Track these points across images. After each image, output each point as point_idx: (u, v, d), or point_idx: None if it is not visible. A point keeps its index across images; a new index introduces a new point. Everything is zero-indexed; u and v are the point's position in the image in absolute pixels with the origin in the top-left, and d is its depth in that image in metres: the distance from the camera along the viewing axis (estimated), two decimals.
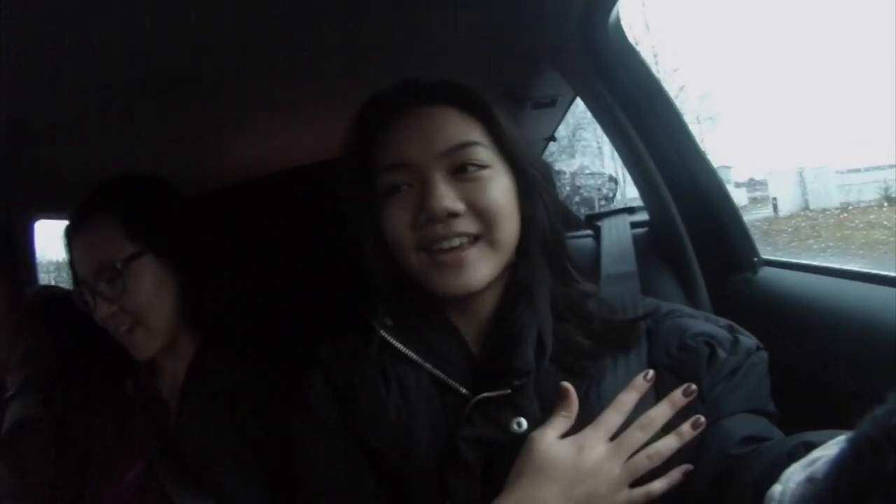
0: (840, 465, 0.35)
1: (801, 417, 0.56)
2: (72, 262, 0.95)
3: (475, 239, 0.67)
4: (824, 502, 0.38)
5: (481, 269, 0.67)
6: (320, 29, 0.89)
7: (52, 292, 1.39)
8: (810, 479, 0.40)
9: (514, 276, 0.72)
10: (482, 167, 0.68)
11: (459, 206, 0.66)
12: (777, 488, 0.43)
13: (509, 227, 0.69)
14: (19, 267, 1.29)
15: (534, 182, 0.72)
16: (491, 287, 0.71)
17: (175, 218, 0.95)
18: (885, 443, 0.31)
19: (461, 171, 0.68)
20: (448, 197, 0.66)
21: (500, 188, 0.69)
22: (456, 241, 0.67)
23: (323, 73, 1.08)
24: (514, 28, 1.04)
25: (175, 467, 0.91)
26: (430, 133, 0.69)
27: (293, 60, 0.98)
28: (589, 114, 1.16)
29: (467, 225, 0.67)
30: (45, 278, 1.90)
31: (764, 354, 0.66)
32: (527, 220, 0.71)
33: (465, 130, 0.69)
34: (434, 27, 0.99)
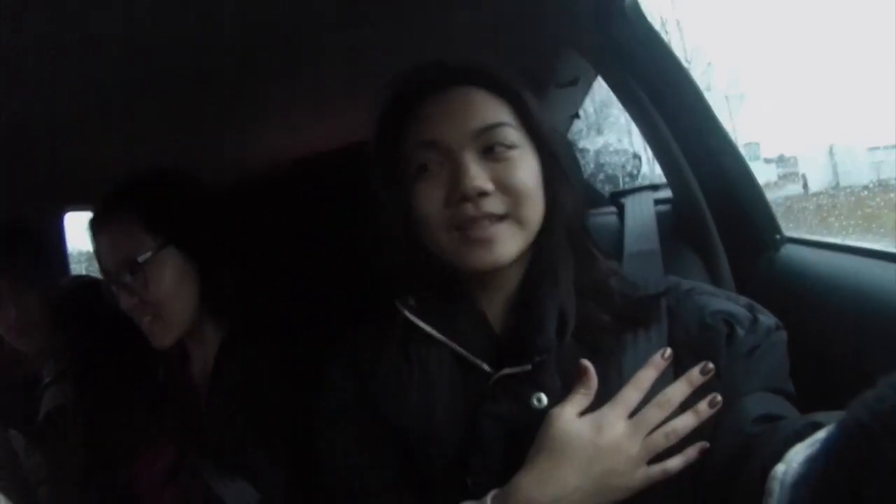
0: (830, 451, 0.35)
1: (822, 397, 0.56)
2: (97, 255, 0.97)
3: (502, 218, 0.68)
4: (816, 487, 0.38)
5: (509, 245, 0.68)
6: (333, 16, 0.89)
7: (84, 282, 1.43)
8: (809, 460, 0.41)
9: (537, 255, 0.73)
10: (510, 147, 0.69)
11: (489, 186, 0.67)
12: (780, 468, 0.43)
13: (536, 206, 0.69)
14: (52, 259, 1.32)
15: (558, 164, 0.72)
16: (514, 265, 0.71)
17: (196, 211, 0.97)
18: (877, 428, 0.31)
19: (490, 151, 0.68)
20: (479, 177, 0.66)
21: (527, 169, 0.69)
22: (486, 223, 0.67)
23: (336, 61, 1.09)
24: (532, 10, 1.03)
25: (207, 451, 0.93)
26: (461, 113, 0.69)
27: (305, 49, 0.98)
28: None
29: (496, 205, 0.67)
30: (76, 268, 1.95)
31: (783, 334, 0.66)
32: (551, 201, 0.71)
33: (494, 111, 0.70)
34: (453, 10, 0.99)
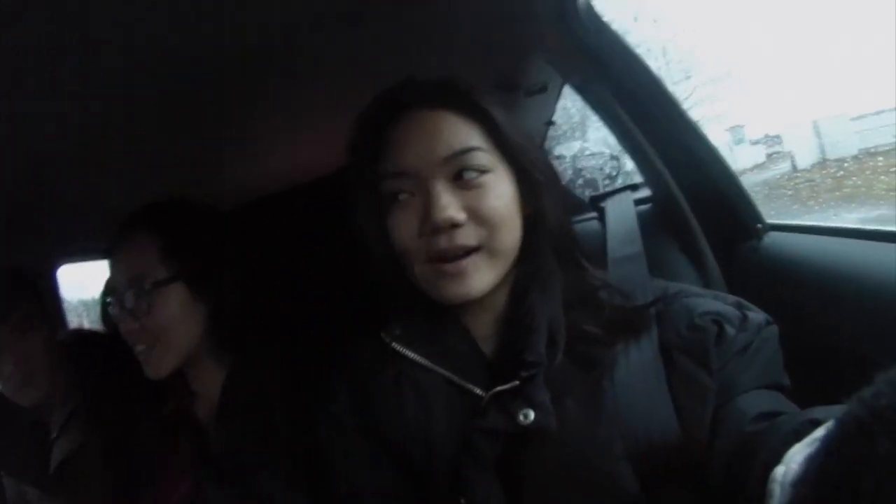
0: (828, 447, 0.35)
1: (815, 386, 0.56)
2: (109, 275, 0.96)
3: (476, 249, 0.67)
4: (814, 483, 0.38)
5: (482, 277, 0.68)
6: (313, 37, 0.89)
7: (84, 333, 1.44)
8: (808, 459, 0.41)
9: (523, 273, 0.73)
10: (482, 172, 0.68)
11: (461, 216, 0.66)
12: (780, 469, 0.43)
13: (509, 234, 0.69)
14: (48, 309, 1.33)
15: (536, 181, 0.71)
16: (499, 287, 0.71)
17: (213, 248, 0.96)
18: (874, 424, 0.31)
19: (461, 177, 0.67)
20: (451, 206, 0.66)
21: (500, 193, 0.68)
22: (460, 251, 0.67)
23: (318, 79, 1.09)
24: (497, 18, 1.03)
25: (221, 484, 0.93)
26: (429, 139, 0.68)
27: (291, 69, 0.98)
28: None
29: (469, 235, 0.67)
30: (73, 318, 1.95)
31: (774, 329, 0.66)
32: (530, 219, 0.71)
33: (464, 135, 0.68)
34: (423, 22, 0.99)
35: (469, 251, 0.67)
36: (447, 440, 0.68)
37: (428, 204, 0.66)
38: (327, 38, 0.90)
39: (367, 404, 0.74)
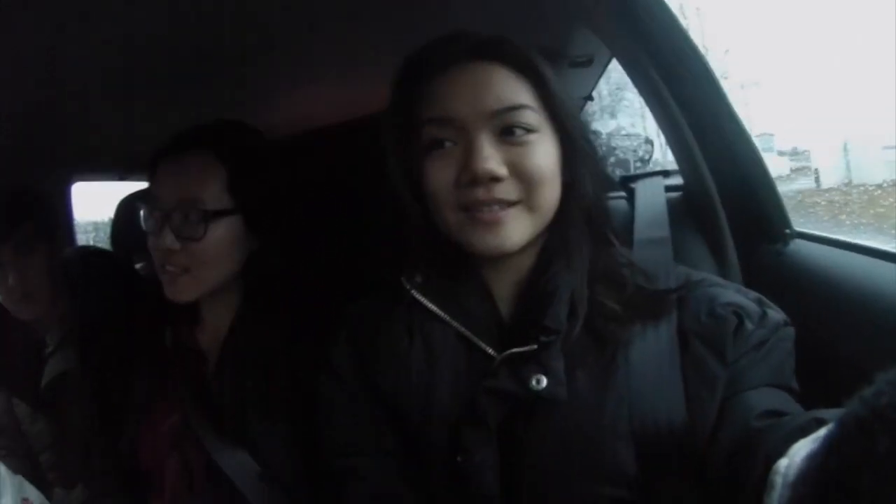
0: (829, 445, 0.35)
1: (824, 394, 0.55)
2: (153, 184, 0.93)
3: (514, 203, 0.66)
4: (813, 482, 0.37)
5: (518, 230, 0.67)
6: None
7: (90, 251, 1.44)
8: (811, 456, 0.40)
9: (552, 239, 0.71)
10: (529, 131, 0.67)
11: (503, 171, 0.65)
12: (783, 462, 0.43)
13: (550, 193, 0.68)
14: (57, 227, 1.33)
15: (579, 148, 0.70)
16: (527, 249, 0.70)
17: (275, 183, 0.95)
18: (874, 422, 0.31)
19: (508, 133, 0.66)
20: (493, 159, 0.65)
21: (545, 153, 0.67)
22: (496, 207, 0.66)
23: (355, 27, 1.07)
24: None
25: (210, 418, 0.93)
26: (479, 91, 0.67)
27: (323, 16, 0.96)
28: None
29: (508, 191, 0.66)
30: (82, 239, 1.96)
31: (791, 330, 0.65)
32: (568, 186, 0.70)
33: (515, 91, 0.68)
34: None
35: (507, 204, 0.65)
36: (450, 397, 0.67)
37: (470, 154, 0.65)
38: None
39: (370, 356, 0.74)
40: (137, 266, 1.32)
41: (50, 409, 1.26)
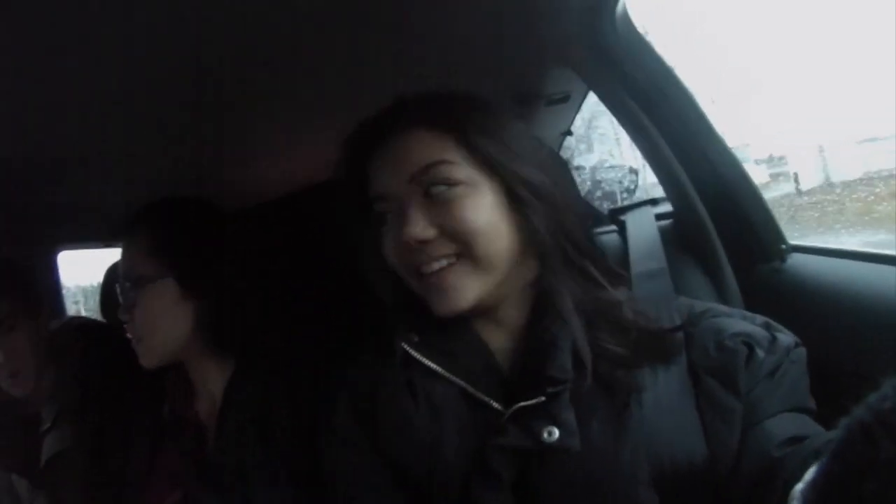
0: (833, 451, 0.35)
1: (838, 409, 0.55)
2: None
3: (457, 258, 0.66)
4: (819, 488, 0.37)
5: (467, 288, 0.66)
6: (321, 40, 0.88)
7: (79, 323, 1.41)
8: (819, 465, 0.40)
9: (540, 286, 0.70)
10: (453, 185, 0.66)
11: (429, 233, 0.65)
12: (799, 487, 0.42)
13: (491, 245, 0.66)
14: (43, 299, 1.30)
15: (524, 191, 0.67)
16: (518, 300, 0.70)
17: (204, 247, 0.95)
18: (878, 428, 0.31)
19: (432, 191, 0.66)
20: (417, 224, 0.65)
21: (474, 206, 0.66)
22: (436, 265, 0.66)
23: (326, 85, 1.07)
24: (519, 27, 1.01)
25: (214, 491, 0.91)
26: (399, 158, 0.68)
27: (292, 75, 0.97)
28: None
29: (441, 249, 0.66)
30: (72, 308, 1.93)
31: (802, 351, 0.64)
32: (523, 230, 0.68)
33: (431, 150, 0.67)
34: (438, 31, 0.97)
35: (447, 261, 0.66)
36: (457, 454, 0.66)
37: (400, 223, 0.66)
38: (332, 41, 0.89)
39: (371, 416, 0.72)
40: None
41: (50, 484, 1.22)
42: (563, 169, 0.74)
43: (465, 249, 0.66)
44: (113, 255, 1.70)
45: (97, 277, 1.67)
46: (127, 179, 1.22)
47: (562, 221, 0.69)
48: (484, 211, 0.66)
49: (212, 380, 0.97)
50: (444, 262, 0.66)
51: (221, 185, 1.43)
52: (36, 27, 0.63)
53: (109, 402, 1.09)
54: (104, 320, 1.42)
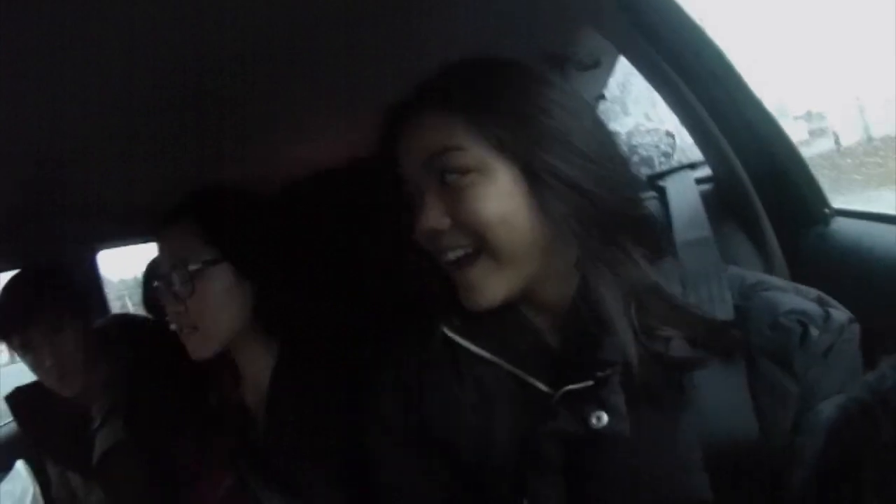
0: (829, 433, 0.35)
1: None
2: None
3: (477, 254, 0.64)
4: (817, 467, 0.37)
5: (491, 287, 0.64)
6: (330, 27, 0.86)
7: (124, 320, 1.45)
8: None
9: (580, 267, 0.67)
10: (465, 172, 0.63)
11: (443, 223, 0.64)
12: None
13: (509, 236, 0.63)
14: (86, 299, 1.33)
15: (546, 175, 0.62)
16: (559, 280, 0.67)
17: (253, 229, 0.97)
18: (878, 407, 0.30)
19: (446, 179, 0.64)
20: (432, 214, 0.63)
21: (488, 195, 0.62)
22: (451, 255, 0.64)
23: (325, 85, 1.07)
24: None
25: (265, 475, 0.93)
26: (411, 147, 0.66)
27: (317, 56, 0.95)
28: None
29: (455, 240, 0.64)
30: (116, 305, 1.97)
31: (856, 328, 0.61)
32: (550, 214, 0.63)
33: (440, 135, 0.64)
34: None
35: (462, 252, 0.64)
36: (509, 440, 0.64)
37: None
38: (334, 36, 0.87)
39: (417, 401, 0.71)
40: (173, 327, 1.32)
41: (104, 479, 1.26)
42: (606, 139, 0.69)
43: (482, 243, 0.63)
44: (152, 249, 1.73)
45: (137, 271, 1.70)
46: (163, 176, 1.23)
47: (595, 202, 0.63)
48: (498, 201, 0.62)
49: (259, 365, 0.98)
50: (460, 252, 0.64)
51: (245, 171, 1.44)
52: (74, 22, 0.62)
53: (158, 395, 1.12)
54: (148, 315, 1.45)
